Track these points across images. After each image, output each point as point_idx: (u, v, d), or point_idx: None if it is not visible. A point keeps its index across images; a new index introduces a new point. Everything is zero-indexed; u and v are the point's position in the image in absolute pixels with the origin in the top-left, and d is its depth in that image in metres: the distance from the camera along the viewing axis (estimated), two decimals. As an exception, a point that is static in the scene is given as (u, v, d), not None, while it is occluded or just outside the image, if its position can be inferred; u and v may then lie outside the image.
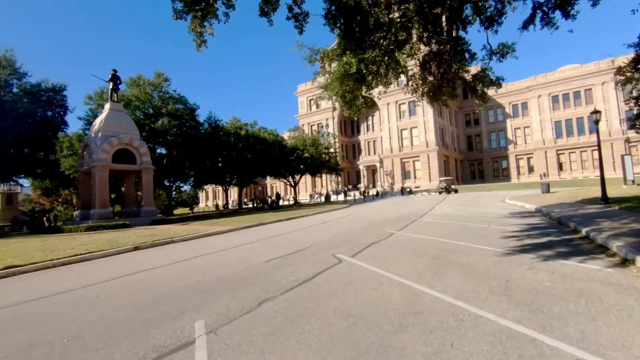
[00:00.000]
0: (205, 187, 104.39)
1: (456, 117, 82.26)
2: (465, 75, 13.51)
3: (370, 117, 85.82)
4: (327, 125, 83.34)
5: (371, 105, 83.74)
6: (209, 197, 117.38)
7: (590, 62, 67.69)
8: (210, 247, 12.49)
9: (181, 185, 62.71)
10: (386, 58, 12.21)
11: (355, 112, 13.33)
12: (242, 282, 6.76)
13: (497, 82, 12.77)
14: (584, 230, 9.92)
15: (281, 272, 7.37)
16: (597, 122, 17.12)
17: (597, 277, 5.71)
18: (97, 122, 27.65)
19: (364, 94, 13.60)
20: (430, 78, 14.18)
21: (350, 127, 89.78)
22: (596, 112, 17.11)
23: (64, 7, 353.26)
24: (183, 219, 30.31)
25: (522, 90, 74.30)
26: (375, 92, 14.51)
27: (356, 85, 11.06)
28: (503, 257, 7.53)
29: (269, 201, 46.48)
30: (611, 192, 19.75)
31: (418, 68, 13.86)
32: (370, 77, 11.45)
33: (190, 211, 62.29)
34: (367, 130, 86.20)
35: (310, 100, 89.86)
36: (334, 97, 11.81)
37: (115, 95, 29.07)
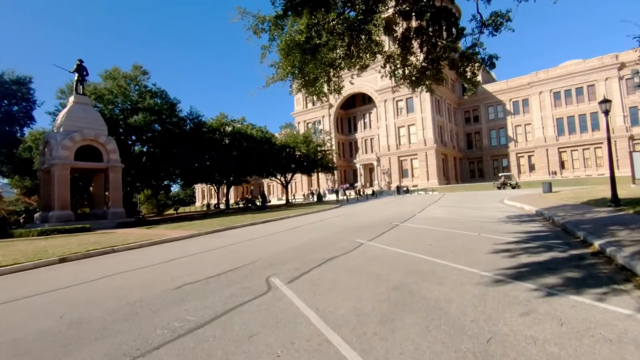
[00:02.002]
0: (201, 186, 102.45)
1: (455, 114, 79.95)
2: (453, 54, 11.33)
3: (367, 115, 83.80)
4: (320, 122, 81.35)
5: (368, 102, 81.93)
6: (205, 196, 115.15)
7: (594, 58, 65.33)
8: (144, 260, 10.38)
9: (170, 184, 60.70)
10: (355, 33, 10.08)
11: (321, 97, 11.18)
12: (101, 329, 4.63)
13: (489, 61, 10.59)
14: (597, 244, 7.78)
15: (175, 309, 5.24)
16: (607, 112, 14.93)
17: (632, 334, 3.57)
18: (60, 117, 25.47)
19: (332, 76, 11.47)
20: (412, 59, 12.04)
21: (347, 124, 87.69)
22: (606, 101, 14.92)
23: (51, 2, 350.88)
24: (156, 221, 28.19)
25: (523, 87, 71.98)
26: (349, 77, 12.33)
27: (305, 58, 8.87)
28: (489, 287, 5.39)
29: (255, 202, 44.31)
30: (619, 192, 17.50)
31: (397, 46, 11.71)
32: (331, 52, 9.30)
33: (174, 212, 60.07)
34: (364, 127, 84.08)
35: (306, 97, 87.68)
36: (287, 76, 9.62)
37: (81, 87, 26.80)
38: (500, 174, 55.82)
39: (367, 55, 11.60)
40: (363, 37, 10.35)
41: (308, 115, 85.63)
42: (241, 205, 54.46)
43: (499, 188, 45.62)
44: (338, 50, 11.31)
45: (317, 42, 8.71)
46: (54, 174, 23.22)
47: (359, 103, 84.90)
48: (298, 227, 16.37)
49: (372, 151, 79.91)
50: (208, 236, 15.97)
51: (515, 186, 45.82)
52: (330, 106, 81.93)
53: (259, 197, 43.66)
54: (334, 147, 78.54)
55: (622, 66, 61.70)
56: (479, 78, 11.77)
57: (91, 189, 29.72)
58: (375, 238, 10.91)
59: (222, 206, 67.81)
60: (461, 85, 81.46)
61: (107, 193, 25.96)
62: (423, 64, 11.94)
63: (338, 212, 25.30)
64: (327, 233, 13.18)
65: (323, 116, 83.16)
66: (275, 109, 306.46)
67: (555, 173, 65.23)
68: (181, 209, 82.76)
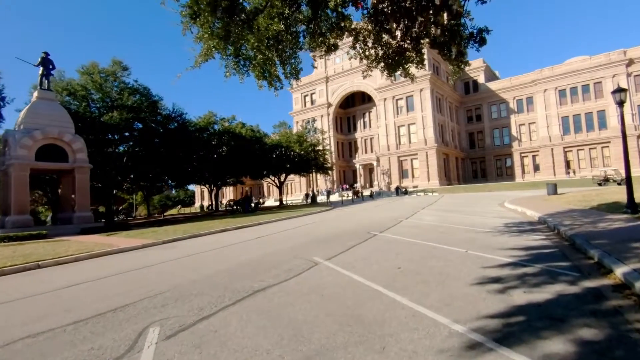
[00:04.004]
0: (201, 186, 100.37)
1: (457, 113, 77.59)
2: (434, 30, 9.25)
3: (367, 114, 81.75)
4: (317, 121, 79.30)
5: (368, 101, 79.72)
6: (205, 197, 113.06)
7: (600, 54, 62.78)
8: (45, 283, 8.41)
9: (161, 185, 58.87)
10: (311, 3, 8.08)
11: (274, 83, 9.11)
12: None
13: (478, 36, 8.50)
14: (619, 272, 5.69)
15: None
16: (621, 103, 12.79)
17: None
18: (22, 114, 23.52)
19: (289, 56, 9.41)
20: (387, 37, 9.97)
21: (346, 124, 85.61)
22: (620, 90, 12.78)
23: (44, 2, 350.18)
24: (131, 226, 26.24)
25: (527, 84, 69.48)
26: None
27: (224, 20, 6.77)
28: (455, 362, 3.33)
29: (243, 204, 42.26)
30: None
31: (366, 21, 9.64)
32: (276, 23, 7.25)
33: (161, 214, 58.16)
34: (364, 127, 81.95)
35: (304, 96, 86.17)
36: (214, 51, 7.54)
37: (47, 81, 24.67)
38: (601, 169, 48.88)
39: (333, 34, 9.59)
40: (322, 6, 8.32)
41: (307, 115, 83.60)
42: (228, 208, 52.47)
43: (599, 184, 38.77)
44: (298, 26, 9.37)
45: (241, 1, 6.67)
46: (10, 175, 21.22)
47: (358, 102, 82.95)
48: (264, 237, 14.31)
49: (371, 151, 77.79)
50: (161, 247, 13.98)
51: (620, 182, 37.24)
52: (329, 105, 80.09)
53: (244, 199, 41.37)
54: (332, 147, 76.47)
55: (630, 62, 59.29)
56: (468, 58, 9.55)
57: (59, 191, 27.82)
58: (337, 255, 8.84)
59: (219, 207, 66.00)
60: (463, 83, 79.15)
61: (73, 196, 23.99)
62: (400, 43, 9.88)
63: (323, 217, 23.28)
64: (287, 246, 11.12)
65: (322, 115, 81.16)
66: (277, 110, 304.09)
67: (573, 172, 61.95)
68: (175, 210, 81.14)
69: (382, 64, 10.13)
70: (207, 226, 20.43)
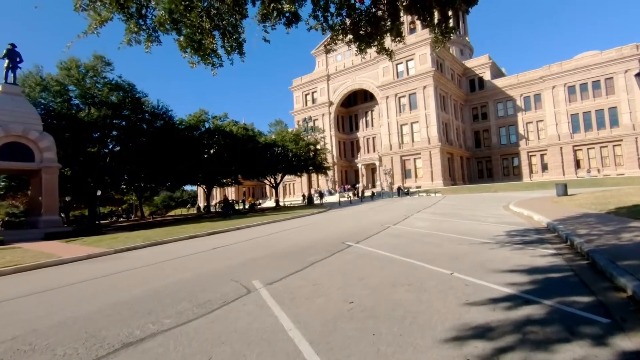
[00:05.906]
0: (203, 187, 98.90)
1: (462, 111, 75.14)
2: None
3: (369, 112, 79.64)
4: (312, 119, 77.27)
5: (370, 99, 77.60)
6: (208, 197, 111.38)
7: (612, 48, 60.01)
8: None
9: (155, 186, 57.18)
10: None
11: (206, 60, 7.15)
12: None
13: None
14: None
15: None
16: (647, 88, 10.68)
17: None
18: (-16, 110, 21.91)
19: (229, 25, 7.46)
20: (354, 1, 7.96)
21: (348, 123, 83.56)
22: (646, 72, 10.67)
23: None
24: (101, 230, 24.43)
25: (535, 81, 66.83)
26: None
27: None
28: None
29: (235, 205, 40.47)
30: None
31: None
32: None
33: (151, 217, 56.44)
34: (366, 126, 79.83)
35: (305, 95, 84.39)
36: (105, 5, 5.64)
37: (12, 75, 23.05)
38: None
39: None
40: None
41: (308, 114, 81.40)
42: (219, 210, 50.70)
43: None
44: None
45: None
46: (-35, 176, 19.70)
47: (360, 100, 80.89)
48: (222, 247, 12.32)
49: (374, 150, 75.71)
50: (107, 258, 12.14)
51: None
52: (331, 104, 78.24)
53: (224, 203, 39.10)
54: (333, 146, 74.63)
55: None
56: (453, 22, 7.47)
57: (29, 192, 26.14)
58: (285, 278, 6.81)
59: (212, 209, 64.24)
60: (468, 81, 76.63)
61: (41, 198, 22.23)
62: (372, 9, 7.88)
63: (309, 220, 21.40)
64: (235, 262, 9.12)
65: (323, 114, 79.30)
66: (280, 110, 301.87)
67: (598, 170, 58.77)
68: (173, 212, 79.80)
69: (351, 36, 8.12)
70: (178, 232, 18.56)
